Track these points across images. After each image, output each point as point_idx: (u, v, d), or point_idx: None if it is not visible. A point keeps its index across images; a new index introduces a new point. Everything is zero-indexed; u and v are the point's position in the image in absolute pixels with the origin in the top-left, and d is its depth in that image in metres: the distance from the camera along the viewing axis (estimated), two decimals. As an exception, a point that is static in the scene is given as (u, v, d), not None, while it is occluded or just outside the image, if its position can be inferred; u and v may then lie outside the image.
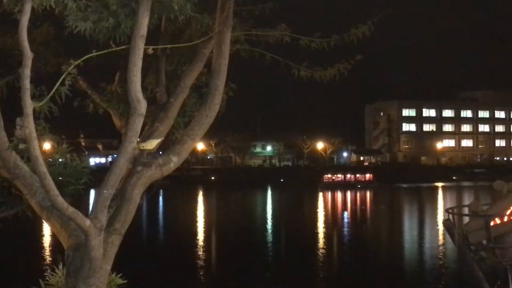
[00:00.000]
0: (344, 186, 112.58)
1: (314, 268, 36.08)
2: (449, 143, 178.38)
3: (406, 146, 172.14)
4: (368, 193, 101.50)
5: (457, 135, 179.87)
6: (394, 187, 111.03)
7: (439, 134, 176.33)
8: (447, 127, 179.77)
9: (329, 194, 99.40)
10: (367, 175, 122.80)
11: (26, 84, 5.07)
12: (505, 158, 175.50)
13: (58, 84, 5.23)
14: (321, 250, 42.97)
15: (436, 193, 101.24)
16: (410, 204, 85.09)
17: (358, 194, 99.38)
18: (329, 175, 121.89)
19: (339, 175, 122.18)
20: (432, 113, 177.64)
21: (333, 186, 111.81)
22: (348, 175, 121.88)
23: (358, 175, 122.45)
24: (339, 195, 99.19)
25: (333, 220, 64.54)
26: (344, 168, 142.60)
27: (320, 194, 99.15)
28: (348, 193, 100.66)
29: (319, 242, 46.41)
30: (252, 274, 33.43)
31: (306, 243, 44.93)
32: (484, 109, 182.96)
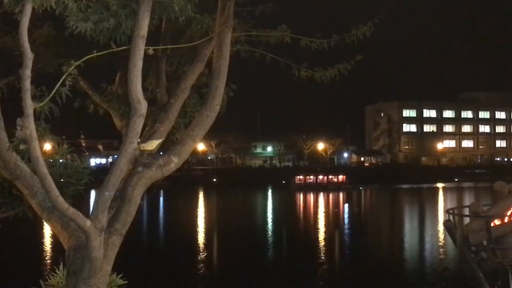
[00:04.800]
0: (316, 187, 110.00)
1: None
2: (450, 143, 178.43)
3: (407, 147, 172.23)
4: (340, 195, 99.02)
5: (458, 135, 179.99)
6: (381, 188, 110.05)
7: (440, 134, 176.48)
8: (448, 128, 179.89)
9: (299, 196, 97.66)
10: (340, 177, 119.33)
11: (27, 84, 5.08)
12: (505, 159, 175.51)
13: (58, 84, 5.23)
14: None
15: (432, 194, 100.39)
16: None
17: (330, 196, 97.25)
18: (301, 176, 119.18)
19: (311, 177, 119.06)
20: (432, 113, 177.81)
21: (304, 188, 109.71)
22: (321, 176, 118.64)
23: (330, 176, 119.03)
24: (309, 196, 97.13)
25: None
26: (343, 168, 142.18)
27: (294, 196, 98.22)
28: (321, 195, 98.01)
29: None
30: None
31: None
32: (484, 109, 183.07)
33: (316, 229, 56.80)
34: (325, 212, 73.98)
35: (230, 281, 32.58)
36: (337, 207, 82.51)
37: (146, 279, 28.17)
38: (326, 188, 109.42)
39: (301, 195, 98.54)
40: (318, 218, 67.23)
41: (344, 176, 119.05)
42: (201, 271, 35.87)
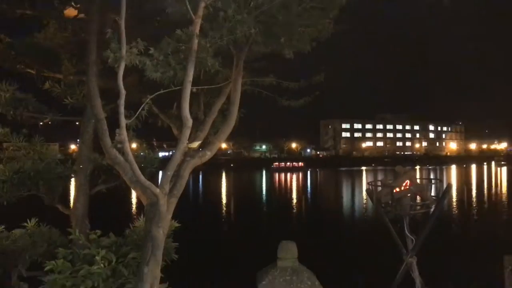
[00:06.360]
0: (286, 169, 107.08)
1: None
2: (369, 143, 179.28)
3: (344, 146, 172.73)
4: (300, 174, 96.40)
5: (374, 139, 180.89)
6: (329, 170, 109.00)
7: (363, 138, 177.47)
8: (368, 134, 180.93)
9: (276, 175, 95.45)
10: (300, 163, 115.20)
11: (121, 109, 5.08)
12: (402, 153, 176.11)
13: (140, 109, 5.24)
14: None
15: (358, 174, 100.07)
16: (329, 181, 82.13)
17: (294, 175, 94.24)
18: (276, 163, 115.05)
19: (282, 163, 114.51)
20: (359, 126, 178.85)
21: (278, 170, 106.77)
22: (288, 163, 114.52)
23: (294, 163, 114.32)
24: (281, 175, 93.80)
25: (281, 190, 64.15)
26: (307, 158, 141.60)
27: (272, 175, 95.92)
28: (288, 174, 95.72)
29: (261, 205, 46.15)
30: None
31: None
32: (389, 124, 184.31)
33: (282, 193, 56.75)
34: (289, 185, 73.80)
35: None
36: (298, 180, 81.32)
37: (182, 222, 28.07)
38: (292, 170, 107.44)
39: (276, 174, 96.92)
40: (285, 187, 67.15)
41: (302, 163, 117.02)
42: (224, 218, 35.82)
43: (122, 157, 5.75)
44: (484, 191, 55.03)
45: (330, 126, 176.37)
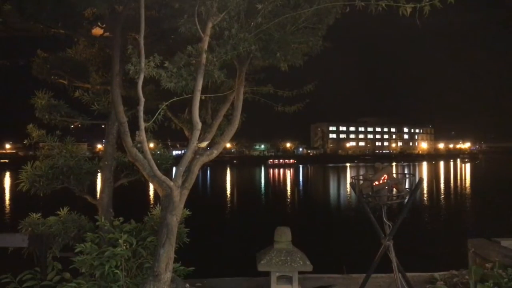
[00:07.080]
0: (279, 165, 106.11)
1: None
2: (352, 143, 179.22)
3: (331, 145, 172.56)
4: (291, 169, 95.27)
5: (356, 139, 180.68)
6: (318, 166, 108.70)
7: (347, 139, 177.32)
8: (351, 135, 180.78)
9: (271, 170, 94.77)
10: (291, 160, 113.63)
11: (141, 114, 5.07)
12: (381, 151, 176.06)
13: (157, 114, 5.24)
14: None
15: (343, 169, 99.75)
16: (320, 176, 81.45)
17: (287, 170, 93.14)
18: (271, 160, 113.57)
19: (276, 160, 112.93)
20: (343, 128, 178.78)
21: (273, 166, 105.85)
22: (281, 160, 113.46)
23: (286, 160, 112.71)
24: (276, 170, 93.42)
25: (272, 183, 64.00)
26: (299, 156, 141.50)
27: (268, 170, 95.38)
28: (281, 170, 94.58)
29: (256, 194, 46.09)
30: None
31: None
32: (370, 126, 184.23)
33: (276, 185, 56.64)
34: (283, 179, 73.54)
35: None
36: (290, 175, 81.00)
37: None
38: (284, 166, 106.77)
39: (271, 169, 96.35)
40: (279, 180, 66.93)
41: (294, 160, 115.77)
42: (229, 204, 35.68)
43: (141, 155, 5.75)
44: (450, 184, 55.03)
45: (319, 129, 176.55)
